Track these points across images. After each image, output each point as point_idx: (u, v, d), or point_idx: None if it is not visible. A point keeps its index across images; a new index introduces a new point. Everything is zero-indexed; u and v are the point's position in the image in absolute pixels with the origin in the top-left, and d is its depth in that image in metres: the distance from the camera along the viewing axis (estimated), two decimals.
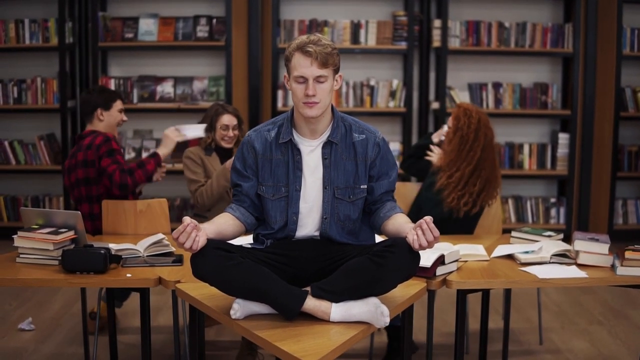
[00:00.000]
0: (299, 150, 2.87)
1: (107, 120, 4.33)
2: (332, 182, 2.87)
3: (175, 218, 6.24)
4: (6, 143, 6.63)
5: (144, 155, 6.53)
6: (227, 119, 4.43)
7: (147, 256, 3.38)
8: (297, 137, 2.88)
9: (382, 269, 2.62)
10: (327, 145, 2.87)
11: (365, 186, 2.90)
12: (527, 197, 6.76)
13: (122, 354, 4.08)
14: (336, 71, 2.83)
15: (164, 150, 4.42)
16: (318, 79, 2.76)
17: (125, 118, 4.44)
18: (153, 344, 4.19)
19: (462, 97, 6.62)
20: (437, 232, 2.60)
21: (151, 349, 3.32)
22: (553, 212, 6.76)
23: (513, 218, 6.74)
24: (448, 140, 4.14)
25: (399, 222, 2.80)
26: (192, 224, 2.62)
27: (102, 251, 3.17)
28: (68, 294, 5.10)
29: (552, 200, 6.77)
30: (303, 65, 2.75)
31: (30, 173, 6.75)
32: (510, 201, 6.72)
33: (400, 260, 2.64)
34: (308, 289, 2.68)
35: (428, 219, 2.62)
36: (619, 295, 5.18)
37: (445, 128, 4.28)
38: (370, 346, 4.19)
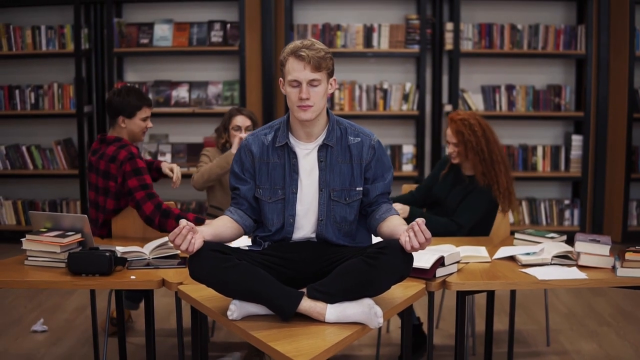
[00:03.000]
0: (295, 154, 2.91)
1: (130, 127, 4.08)
2: (328, 185, 2.90)
3: None
4: (24, 148, 6.73)
5: (160, 158, 6.59)
6: (240, 120, 4.57)
7: (152, 258, 3.43)
8: (293, 140, 2.92)
9: (375, 270, 2.65)
10: (323, 148, 2.91)
11: (361, 188, 2.93)
12: (541, 199, 6.74)
13: (131, 355, 4.13)
14: (330, 75, 2.86)
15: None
16: (312, 83, 2.80)
17: (150, 125, 4.15)
18: (164, 346, 4.26)
19: (475, 99, 6.63)
20: (428, 234, 2.63)
21: (156, 349, 3.37)
22: (567, 214, 6.74)
23: (527, 220, 6.72)
24: (464, 157, 4.14)
25: (393, 224, 2.83)
26: (188, 226, 2.66)
27: (107, 254, 3.23)
28: (81, 296, 5.16)
29: (566, 202, 6.75)
30: (296, 69, 2.79)
31: (48, 178, 6.85)
32: (524, 203, 6.71)
33: (393, 261, 2.66)
34: (304, 290, 2.71)
35: (420, 221, 2.64)
36: (630, 297, 5.16)
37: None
38: (376, 351, 4.21)
